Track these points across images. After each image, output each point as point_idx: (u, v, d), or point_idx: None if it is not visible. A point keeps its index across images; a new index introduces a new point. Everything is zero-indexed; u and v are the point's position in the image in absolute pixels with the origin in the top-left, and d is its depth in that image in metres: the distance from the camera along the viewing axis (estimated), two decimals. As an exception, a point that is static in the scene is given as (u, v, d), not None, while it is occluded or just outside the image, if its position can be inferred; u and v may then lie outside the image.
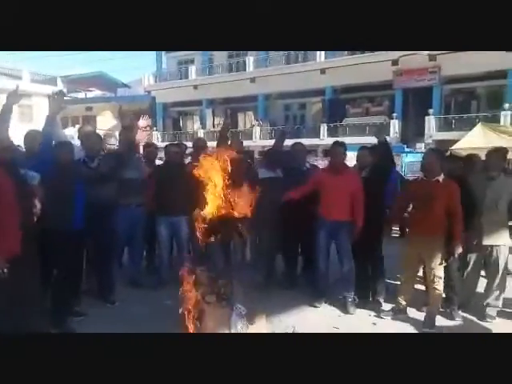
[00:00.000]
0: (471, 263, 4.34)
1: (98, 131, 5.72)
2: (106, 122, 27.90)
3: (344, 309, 4.42)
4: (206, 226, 3.40)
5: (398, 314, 4.24)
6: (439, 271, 3.99)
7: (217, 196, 3.37)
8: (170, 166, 5.09)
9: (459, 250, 3.94)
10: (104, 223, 4.27)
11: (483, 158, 4.96)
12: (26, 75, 29.04)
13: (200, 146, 5.51)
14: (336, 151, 4.48)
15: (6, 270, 2.82)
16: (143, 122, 4.89)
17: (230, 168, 3.36)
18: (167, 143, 6.31)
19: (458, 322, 4.19)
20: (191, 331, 3.30)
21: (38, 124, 4.49)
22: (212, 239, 3.48)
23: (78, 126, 4.47)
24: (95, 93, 32.85)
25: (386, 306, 4.45)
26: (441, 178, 4.00)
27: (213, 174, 3.35)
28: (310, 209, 4.52)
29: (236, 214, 3.39)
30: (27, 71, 29.53)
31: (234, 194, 3.40)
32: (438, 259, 3.98)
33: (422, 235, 4.00)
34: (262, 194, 3.41)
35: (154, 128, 27.14)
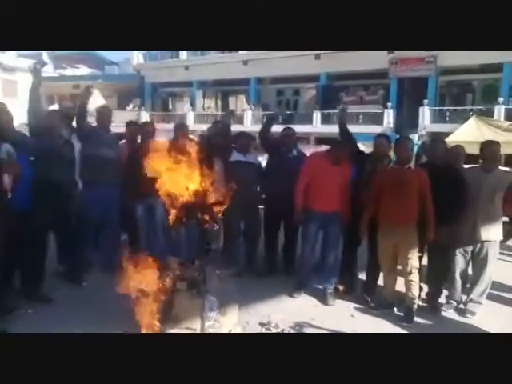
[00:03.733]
0: (460, 257, 4.14)
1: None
2: (93, 101, 27.30)
3: (323, 300, 4.25)
4: (177, 210, 3.20)
5: (384, 308, 4.08)
6: (415, 261, 3.86)
7: (189, 180, 3.17)
8: (146, 146, 4.78)
9: (432, 237, 3.81)
10: (70, 202, 4.05)
11: (470, 150, 4.86)
12: (11, 49, 28.24)
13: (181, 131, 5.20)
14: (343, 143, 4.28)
15: None
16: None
17: (203, 153, 3.18)
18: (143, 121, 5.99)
19: (437, 317, 4.04)
20: (159, 319, 3.11)
21: (23, 100, 4.30)
22: (184, 224, 3.28)
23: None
24: (83, 70, 32.16)
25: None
26: (412, 165, 3.97)
27: (185, 157, 3.15)
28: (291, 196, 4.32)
29: (209, 199, 3.19)
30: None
31: (207, 179, 3.21)
32: (412, 249, 3.84)
33: (395, 224, 3.85)
34: (231, 177, 3.24)
35: (142, 108, 26.67)
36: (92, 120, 5.32)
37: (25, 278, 3.86)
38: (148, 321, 3.09)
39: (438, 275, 4.22)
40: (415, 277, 3.85)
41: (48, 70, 24.78)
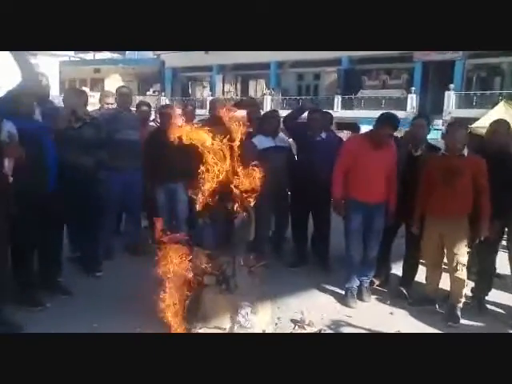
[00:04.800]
0: None
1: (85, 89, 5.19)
2: (114, 85, 27.29)
3: (358, 295, 3.94)
4: (205, 196, 2.95)
5: (425, 305, 3.79)
6: (463, 257, 3.54)
7: (220, 165, 2.90)
8: (165, 129, 4.57)
9: (486, 231, 3.47)
10: (86, 188, 3.82)
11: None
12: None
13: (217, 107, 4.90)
14: (385, 123, 3.75)
15: None
16: None
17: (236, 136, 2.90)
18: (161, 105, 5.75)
19: (484, 316, 3.72)
20: (185, 318, 2.88)
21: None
22: (212, 213, 3.04)
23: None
24: (104, 54, 32.04)
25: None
26: (465, 152, 3.59)
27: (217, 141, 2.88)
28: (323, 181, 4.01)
29: (241, 187, 2.93)
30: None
31: (240, 164, 2.95)
32: (461, 243, 3.52)
33: (443, 216, 3.54)
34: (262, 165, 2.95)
35: (162, 93, 26.50)
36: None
37: (43, 267, 3.66)
38: (173, 319, 2.86)
39: (487, 271, 3.88)
40: (462, 274, 3.53)
41: (69, 54, 24.72)
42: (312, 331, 3.15)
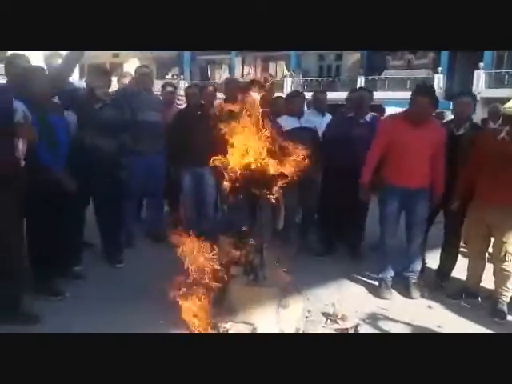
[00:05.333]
0: None
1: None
2: (133, 70, 27.16)
3: (406, 292, 3.63)
4: (233, 181, 2.73)
5: (465, 297, 3.52)
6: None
7: (249, 148, 2.67)
8: (192, 110, 4.38)
9: None
10: (108, 173, 3.62)
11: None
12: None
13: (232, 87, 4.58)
14: (421, 96, 3.40)
15: None
16: None
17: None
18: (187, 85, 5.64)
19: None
20: (210, 311, 2.69)
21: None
22: (240, 198, 2.83)
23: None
24: (122, 38, 31.95)
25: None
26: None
27: (244, 121, 2.66)
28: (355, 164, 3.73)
29: (272, 172, 2.69)
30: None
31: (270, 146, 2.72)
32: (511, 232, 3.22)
33: (493, 203, 3.24)
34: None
35: (181, 77, 26.28)
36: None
37: (61, 253, 3.51)
38: (196, 313, 2.67)
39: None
40: (509, 265, 3.24)
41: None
42: (345, 326, 2.91)
